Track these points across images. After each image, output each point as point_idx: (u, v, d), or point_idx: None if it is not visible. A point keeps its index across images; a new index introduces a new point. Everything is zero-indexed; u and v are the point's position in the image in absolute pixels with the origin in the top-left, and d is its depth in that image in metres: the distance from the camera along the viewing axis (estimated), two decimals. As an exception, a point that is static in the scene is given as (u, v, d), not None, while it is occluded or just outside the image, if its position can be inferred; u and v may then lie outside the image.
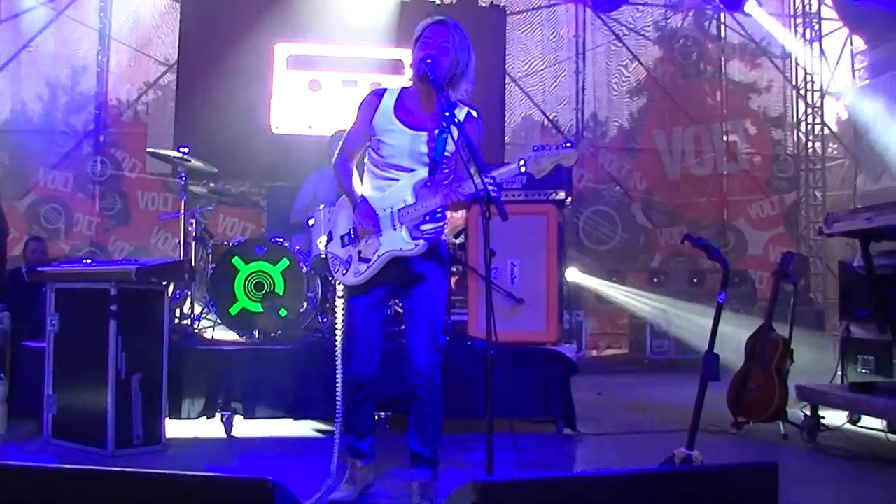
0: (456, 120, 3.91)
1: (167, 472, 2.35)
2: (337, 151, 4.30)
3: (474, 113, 4.21)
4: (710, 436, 6.06)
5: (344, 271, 4.20)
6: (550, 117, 13.59)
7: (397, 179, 4.12)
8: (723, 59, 14.29)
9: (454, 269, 7.56)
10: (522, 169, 3.98)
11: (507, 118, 13.20)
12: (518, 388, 6.09)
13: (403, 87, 4.22)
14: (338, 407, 4.28)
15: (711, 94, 14.30)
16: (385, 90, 4.25)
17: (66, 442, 5.46)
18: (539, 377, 6.17)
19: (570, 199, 6.92)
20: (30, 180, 12.37)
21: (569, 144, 4.00)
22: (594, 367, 10.99)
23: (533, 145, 4.05)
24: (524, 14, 13.58)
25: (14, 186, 12.13)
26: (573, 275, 11.86)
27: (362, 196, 4.17)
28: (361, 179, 4.27)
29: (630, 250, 13.80)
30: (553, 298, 6.42)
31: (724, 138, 14.12)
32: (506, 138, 12.91)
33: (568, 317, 10.73)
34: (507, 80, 13.10)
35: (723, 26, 14.27)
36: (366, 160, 4.24)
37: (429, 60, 3.98)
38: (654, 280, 12.48)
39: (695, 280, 12.30)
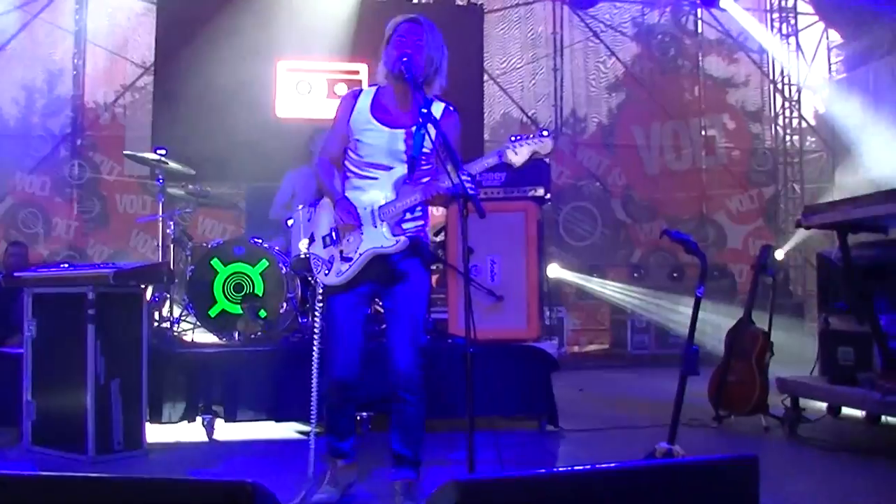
0: (433, 117, 3.90)
1: (146, 476, 2.33)
2: (318, 153, 4.30)
3: (451, 108, 4.21)
4: (692, 430, 6.08)
5: (326, 272, 4.18)
6: (529, 114, 13.60)
7: (377, 178, 4.12)
8: (700, 54, 14.33)
9: (434, 267, 7.56)
10: (495, 161, 3.98)
11: (486, 116, 13.19)
12: (499, 386, 6.09)
13: (379, 87, 4.22)
14: (313, 408, 4.26)
15: (689, 89, 14.34)
16: (360, 90, 4.24)
17: (46, 449, 5.41)
18: (520, 374, 6.17)
19: (549, 195, 6.94)
20: (6, 185, 12.27)
21: (545, 133, 4.00)
22: (576, 363, 11.03)
23: (509, 136, 4.06)
24: (501, 12, 13.58)
25: (-10, 192, 12.05)
26: (554, 271, 11.88)
27: (342, 193, 4.16)
28: (342, 181, 4.26)
29: (610, 246, 13.83)
30: (533, 295, 6.42)
31: (703, 133, 14.16)
32: (485, 135, 12.91)
33: (549, 313, 10.75)
34: (486, 77, 13.09)
35: (700, 22, 14.32)
36: (346, 163, 4.23)
37: (405, 59, 3.97)
38: (635, 275, 12.53)
39: (675, 274, 12.36)
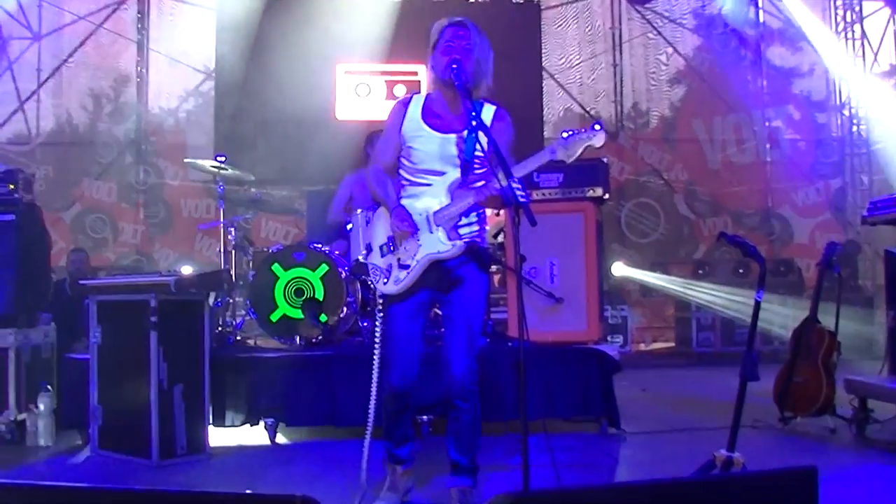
0: (483, 124, 3.89)
1: (197, 491, 2.36)
2: (371, 162, 4.30)
3: (502, 110, 4.18)
4: (756, 432, 5.98)
5: (385, 280, 4.17)
6: (589, 110, 13.50)
7: (430, 184, 4.11)
8: (762, 44, 14.08)
9: (496, 268, 7.55)
10: (546, 158, 3.95)
11: (546, 113, 13.16)
12: (558, 388, 6.05)
13: (428, 93, 4.21)
14: (370, 416, 4.26)
15: (752, 80, 14.10)
16: (411, 98, 4.23)
17: (111, 452, 5.52)
18: (579, 376, 6.12)
19: (608, 195, 6.86)
20: (74, 191, 12.54)
21: (597, 127, 3.95)
22: (641, 361, 10.92)
23: (562, 130, 4.03)
24: (558, 8, 13.52)
25: (59, 198, 12.32)
26: (618, 269, 11.79)
27: (397, 201, 4.16)
28: (397, 189, 4.26)
29: (673, 242, 13.68)
30: (593, 297, 6.36)
31: (767, 125, 13.92)
32: (546, 132, 12.85)
33: (612, 311, 10.68)
34: (545, 75, 13.04)
35: (761, 11, 14.08)
36: (400, 170, 4.23)
37: (454, 66, 3.96)
38: (699, 271, 12.34)
39: (740, 270, 12.14)
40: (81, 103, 12.91)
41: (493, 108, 4.15)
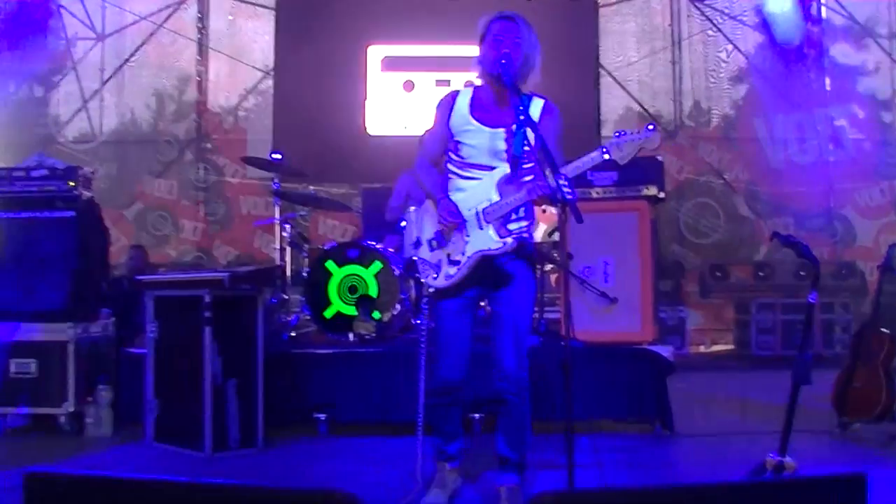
0: (531, 120, 3.87)
1: (243, 483, 2.39)
2: (416, 158, 4.30)
3: (551, 104, 4.15)
4: (813, 437, 5.86)
5: (434, 275, 4.17)
6: (648, 108, 13.37)
7: (479, 179, 4.10)
8: (825, 42, 13.81)
9: (550, 266, 7.51)
10: (597, 159, 3.91)
11: (604, 112, 13.06)
12: (610, 389, 6.01)
13: (476, 87, 4.20)
14: (420, 412, 4.27)
15: (815, 78, 13.84)
16: (458, 91, 4.23)
17: (166, 445, 5.63)
18: (632, 377, 6.07)
19: (663, 193, 6.78)
20: (136, 189, 12.74)
21: (650, 128, 3.90)
22: (699, 363, 10.77)
23: (614, 132, 3.99)
24: (615, 5, 13.39)
25: (121, 195, 12.52)
26: (675, 269, 11.65)
27: (444, 193, 4.15)
28: (445, 184, 4.25)
29: (733, 243, 13.47)
30: (647, 297, 6.30)
31: (830, 124, 13.65)
32: (603, 132, 12.75)
33: (670, 313, 10.56)
34: (602, 73, 12.94)
35: (824, 8, 13.80)
36: (447, 165, 4.23)
37: (503, 60, 3.94)
38: (760, 273, 12.15)
39: (801, 272, 11.93)
40: (144, 102, 13.12)
41: (542, 101, 4.13)
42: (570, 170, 3.87)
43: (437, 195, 4.14)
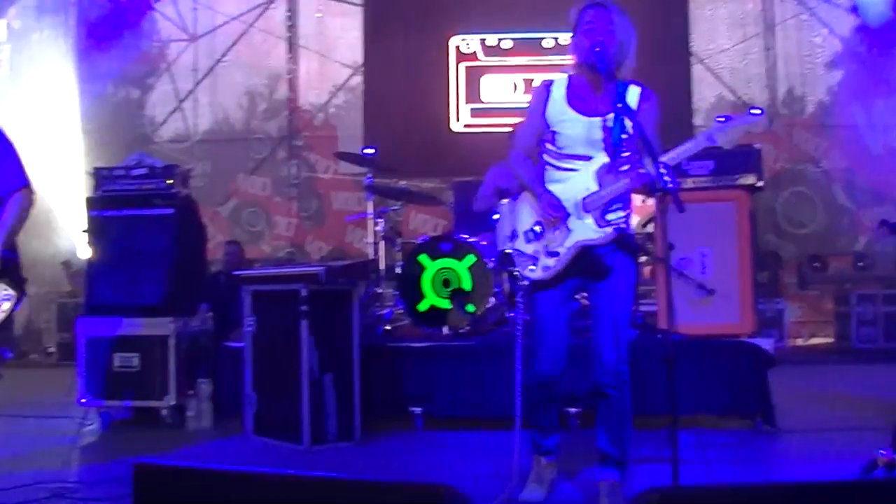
0: (628, 108, 3.80)
1: (343, 476, 2.41)
2: (510, 149, 4.26)
3: (648, 91, 4.07)
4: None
5: (532, 267, 4.12)
6: (741, 96, 13.10)
7: (577, 169, 4.03)
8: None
9: (644, 258, 7.41)
10: (702, 145, 3.82)
11: (696, 100, 12.83)
12: (708, 383, 5.88)
13: (570, 76, 4.14)
14: (517, 406, 4.23)
15: (916, 61, 13.38)
16: (553, 81, 4.16)
17: (265, 437, 5.71)
18: (731, 371, 5.93)
19: (762, 182, 6.63)
20: (230, 186, 12.97)
21: (755, 112, 3.79)
22: (798, 356, 10.52)
23: (716, 117, 3.89)
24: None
25: (216, 193, 12.76)
26: (773, 260, 11.40)
27: (543, 186, 4.11)
28: (541, 175, 4.20)
29: (832, 232, 13.12)
30: (746, 288, 6.17)
31: (933, 108, 13.20)
32: (697, 120, 12.54)
33: (767, 305, 10.34)
34: (694, 60, 12.72)
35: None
36: (544, 156, 4.17)
37: (597, 48, 3.87)
38: (859, 263, 11.82)
39: (903, 263, 11.58)
40: (236, 101, 13.35)
41: (639, 88, 4.05)
42: (674, 156, 3.80)
43: (536, 188, 4.09)
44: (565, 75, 4.16)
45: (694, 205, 6.01)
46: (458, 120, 11.85)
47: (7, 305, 4.55)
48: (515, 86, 11.82)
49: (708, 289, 6.14)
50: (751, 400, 5.90)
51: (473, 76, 11.89)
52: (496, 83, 11.90)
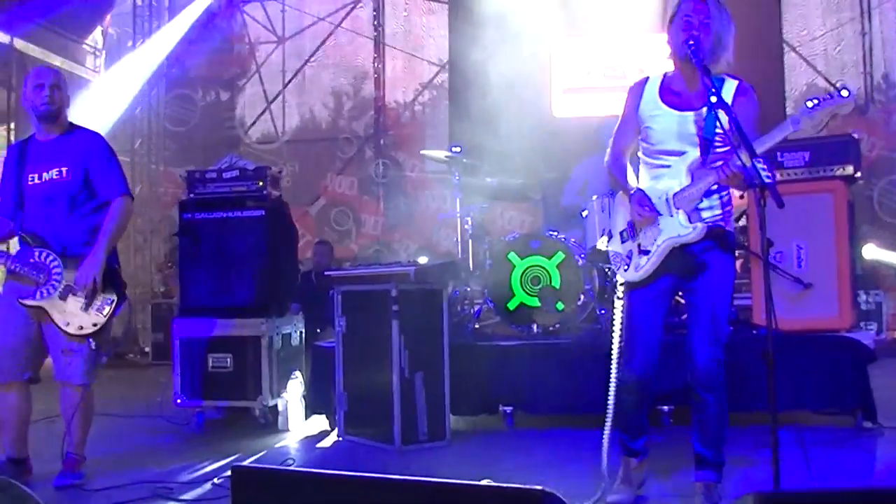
0: (723, 101, 3.71)
1: (433, 480, 2.41)
2: (609, 148, 4.21)
3: (745, 84, 3.97)
4: None
5: (626, 267, 4.08)
6: (835, 83, 12.74)
7: (669, 165, 3.96)
8: None
9: (738, 252, 7.26)
10: (789, 130, 3.70)
11: (788, 88, 12.54)
12: (806, 379, 5.72)
13: (665, 73, 4.07)
14: (609, 407, 4.17)
15: None
16: (647, 78, 4.11)
17: (356, 437, 5.76)
18: (829, 366, 5.76)
19: (859, 173, 6.43)
20: (319, 186, 13.11)
21: (844, 92, 3.66)
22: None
23: (805, 100, 3.76)
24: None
25: (305, 193, 12.91)
26: (870, 251, 11.07)
27: (638, 191, 4.05)
28: (637, 173, 4.15)
29: (933, 221, 12.70)
30: (845, 282, 5.99)
31: None
32: (788, 109, 12.24)
33: (865, 297, 10.05)
34: (786, 48, 12.41)
35: None
36: (639, 153, 4.12)
37: (691, 42, 3.79)
38: (961, 253, 11.40)
39: None
40: (323, 101, 13.48)
41: (735, 83, 3.95)
42: (760, 144, 3.70)
43: (627, 187, 4.05)
44: (660, 73, 4.09)
45: (789, 197, 5.85)
46: (548, 116, 11.78)
47: (108, 310, 4.68)
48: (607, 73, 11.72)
49: (805, 283, 5.98)
50: (851, 396, 5.73)
51: (561, 71, 11.81)
52: (587, 70, 11.81)
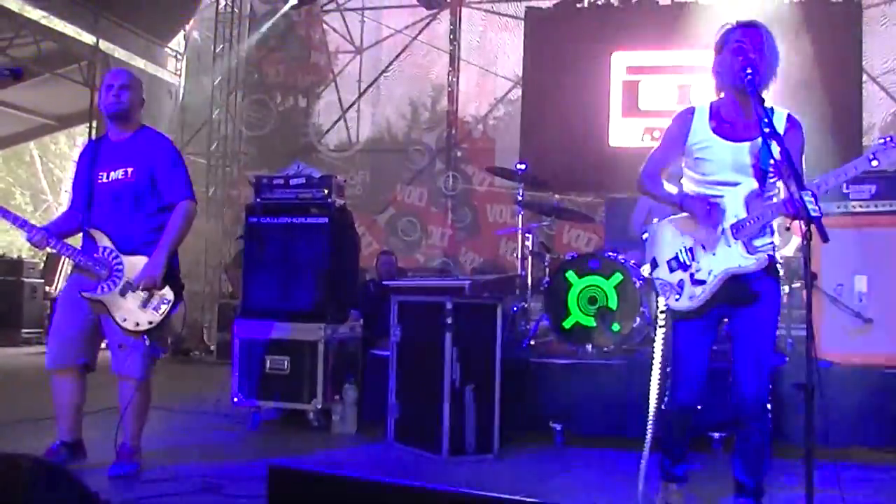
0: (775, 131, 3.71)
1: (472, 492, 2.45)
2: (640, 172, 4.20)
3: (794, 117, 3.96)
4: None
5: (677, 297, 4.05)
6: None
7: (722, 196, 3.96)
8: None
9: (801, 283, 7.18)
10: (860, 168, 3.70)
11: (869, 119, 12.31)
12: (865, 414, 5.63)
13: (712, 102, 4.06)
14: (648, 433, 4.18)
15: None
16: (694, 109, 4.09)
17: (405, 446, 5.82)
18: (884, 403, 5.67)
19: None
20: (389, 195, 13.24)
21: None
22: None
23: (882, 137, 3.74)
24: (882, 6, 12.55)
25: (375, 202, 13.07)
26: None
27: (683, 193, 4.04)
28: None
29: None
30: (907, 317, 5.90)
31: None
32: (865, 141, 12.01)
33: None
34: (865, 78, 12.20)
35: None
36: (684, 182, 4.11)
37: (749, 70, 3.78)
38: None
39: None
40: (398, 112, 13.63)
41: (785, 113, 3.94)
42: (834, 177, 3.71)
43: (677, 199, 4.04)
44: (706, 102, 4.08)
45: (853, 230, 5.85)
46: (615, 135, 11.76)
47: (164, 309, 4.82)
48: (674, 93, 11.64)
49: (864, 317, 5.91)
50: (904, 435, 5.64)
51: (631, 90, 11.78)
52: (655, 89, 11.75)
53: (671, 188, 4.13)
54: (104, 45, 12.65)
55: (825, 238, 3.30)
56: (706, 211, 3.92)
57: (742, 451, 4.03)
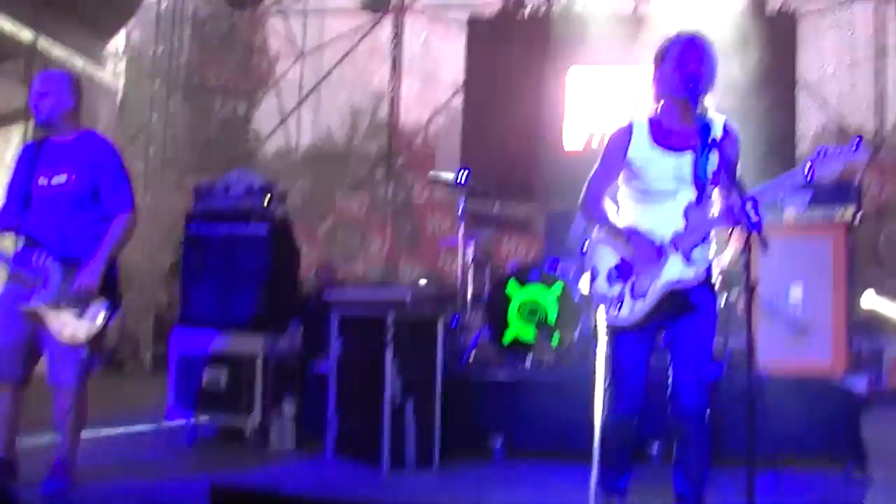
0: (715, 140, 3.75)
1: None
2: (584, 192, 4.20)
3: (730, 123, 3.99)
4: None
5: (616, 311, 4.07)
6: (847, 124, 12.68)
7: (661, 204, 3.98)
8: None
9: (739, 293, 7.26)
10: (797, 181, 3.75)
11: (800, 128, 12.47)
12: (796, 423, 5.69)
13: (650, 116, 4.06)
14: (596, 447, 4.19)
15: None
16: (632, 124, 4.09)
17: (345, 460, 5.79)
18: (821, 412, 5.76)
19: (860, 215, 6.43)
20: (329, 204, 13.13)
21: (856, 145, 3.68)
22: (896, 399, 10.10)
23: (817, 148, 3.79)
24: (815, 17, 12.72)
25: (315, 210, 12.94)
26: (869, 300, 11.00)
27: (631, 230, 4.05)
28: (618, 212, 4.16)
29: (943, 269, 12.59)
30: (840, 327, 6.00)
31: None
32: (798, 151, 12.19)
33: (865, 344, 9.99)
34: (798, 87, 12.37)
35: None
36: (620, 195, 4.13)
37: (691, 84, 3.81)
38: (973, 302, 11.31)
39: None
40: (339, 118, 13.52)
41: (723, 119, 3.97)
42: (767, 190, 3.75)
43: (624, 231, 4.03)
44: (644, 117, 4.09)
45: (787, 239, 5.92)
46: (560, 144, 11.80)
47: (101, 318, 4.72)
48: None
49: (799, 327, 5.99)
50: (841, 443, 5.72)
51: (576, 96, 11.84)
52: (600, 98, 11.82)
53: (615, 219, 4.12)
54: (43, 42, 12.31)
55: (765, 247, 3.33)
56: (650, 257, 3.94)
57: (682, 462, 4.05)
